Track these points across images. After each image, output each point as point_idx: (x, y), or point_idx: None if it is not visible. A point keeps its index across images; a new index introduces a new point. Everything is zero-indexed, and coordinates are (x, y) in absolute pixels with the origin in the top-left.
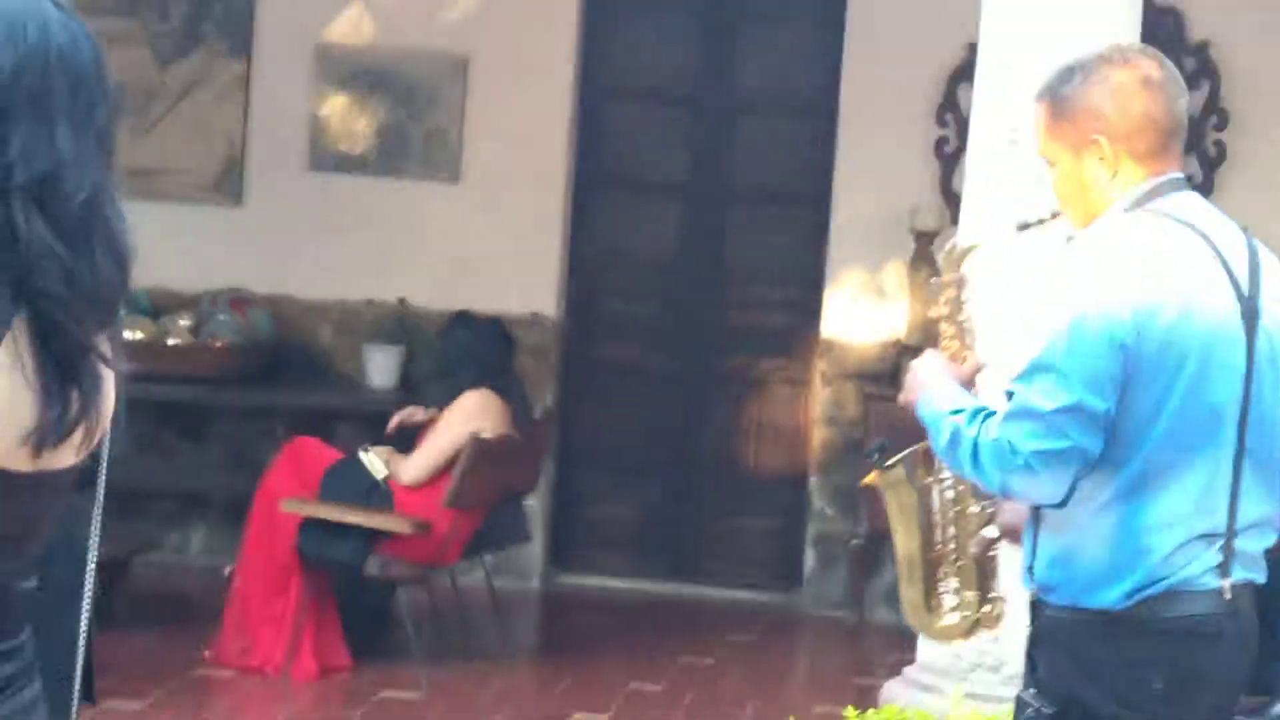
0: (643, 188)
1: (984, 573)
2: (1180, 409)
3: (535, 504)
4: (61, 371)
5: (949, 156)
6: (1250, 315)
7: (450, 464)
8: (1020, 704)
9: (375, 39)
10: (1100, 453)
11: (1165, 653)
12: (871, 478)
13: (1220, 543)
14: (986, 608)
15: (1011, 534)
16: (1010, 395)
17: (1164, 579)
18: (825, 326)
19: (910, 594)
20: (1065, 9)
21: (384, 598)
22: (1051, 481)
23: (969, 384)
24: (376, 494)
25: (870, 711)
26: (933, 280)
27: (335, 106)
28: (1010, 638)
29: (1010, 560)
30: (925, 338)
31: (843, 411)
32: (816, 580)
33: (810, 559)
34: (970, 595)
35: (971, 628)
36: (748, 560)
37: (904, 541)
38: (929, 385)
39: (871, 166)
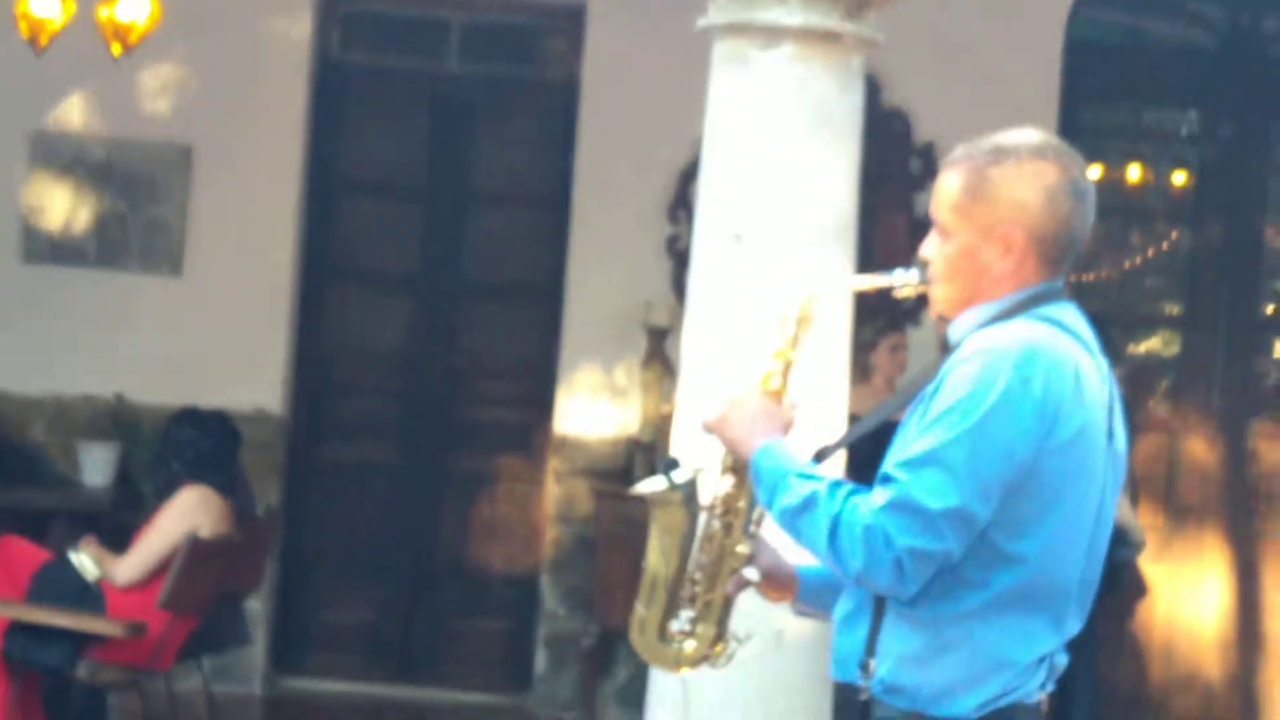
0: (372, 282)
1: (726, 611)
2: (1059, 528)
3: (258, 605)
4: None
5: (681, 253)
6: (1109, 437)
7: (166, 563)
8: None
9: (95, 127)
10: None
11: None
12: (645, 488)
13: (1048, 659)
14: (719, 646)
15: (766, 579)
16: (888, 480)
17: (1013, 692)
18: (558, 423)
19: (646, 615)
20: (788, 107)
21: (94, 703)
22: (914, 579)
23: (787, 430)
24: (88, 596)
25: None
26: (779, 314)
27: (51, 196)
28: None
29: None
30: (658, 434)
31: (575, 509)
32: (547, 681)
33: (541, 659)
34: (706, 630)
35: (699, 661)
36: (478, 661)
37: (657, 562)
38: (759, 426)
39: (605, 262)
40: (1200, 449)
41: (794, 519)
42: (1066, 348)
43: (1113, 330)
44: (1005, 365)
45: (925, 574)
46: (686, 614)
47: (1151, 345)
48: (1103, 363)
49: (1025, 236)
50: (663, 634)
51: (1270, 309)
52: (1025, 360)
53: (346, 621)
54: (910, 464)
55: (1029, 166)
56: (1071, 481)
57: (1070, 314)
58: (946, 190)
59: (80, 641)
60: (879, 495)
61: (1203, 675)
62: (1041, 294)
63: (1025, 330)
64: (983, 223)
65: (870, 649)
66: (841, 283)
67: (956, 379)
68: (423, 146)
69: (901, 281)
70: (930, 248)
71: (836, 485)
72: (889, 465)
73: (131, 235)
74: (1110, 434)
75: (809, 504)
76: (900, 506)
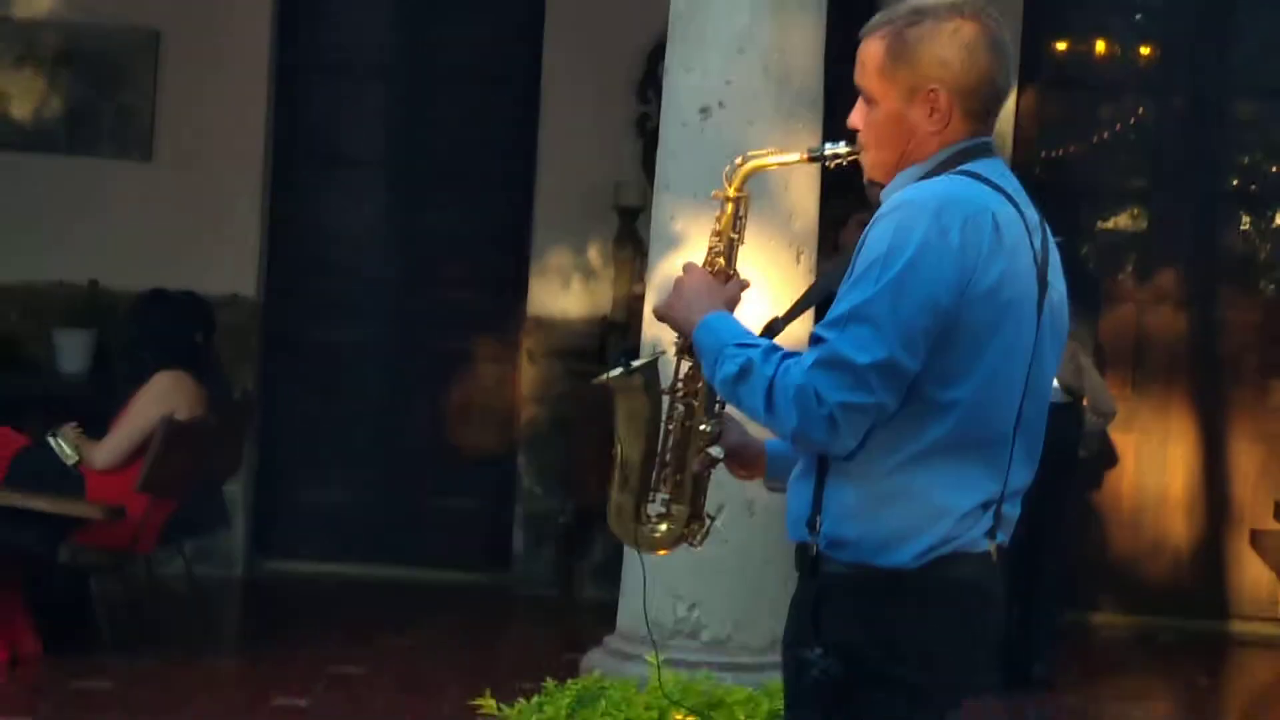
0: (343, 164)
1: (698, 490)
2: (989, 375)
3: (237, 489)
4: None
5: (651, 133)
6: (1040, 287)
7: (143, 447)
8: (803, 663)
9: (61, 12)
10: (897, 409)
11: (951, 613)
12: (605, 377)
13: (993, 507)
14: (694, 524)
15: (734, 456)
16: (818, 339)
17: (954, 540)
18: (531, 304)
19: (621, 500)
20: None
21: (77, 586)
22: (849, 434)
23: (732, 306)
24: (68, 480)
25: (570, 682)
26: (715, 193)
27: (19, 83)
28: (709, 604)
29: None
30: (630, 314)
31: (550, 389)
32: (525, 559)
33: (519, 538)
34: (680, 510)
35: (676, 541)
36: (456, 541)
37: (627, 448)
38: (700, 303)
39: (575, 142)
40: (1168, 320)
41: (734, 387)
42: (983, 198)
43: (1081, 205)
44: (921, 217)
45: (860, 429)
46: (660, 496)
47: (1120, 220)
48: (1031, 214)
49: (949, 93)
50: (639, 517)
51: (1235, 182)
52: (941, 211)
53: (325, 503)
54: (836, 321)
55: (947, 24)
56: (997, 329)
57: (993, 167)
58: (869, 57)
59: (61, 526)
60: (809, 355)
61: (1170, 542)
62: (966, 150)
63: (942, 184)
64: (907, 84)
65: (816, 506)
66: (772, 158)
67: (875, 235)
68: (391, 27)
69: (831, 152)
70: (858, 116)
71: (771, 350)
72: (817, 327)
73: (101, 121)
74: (1045, 284)
75: (745, 371)
76: (829, 363)
